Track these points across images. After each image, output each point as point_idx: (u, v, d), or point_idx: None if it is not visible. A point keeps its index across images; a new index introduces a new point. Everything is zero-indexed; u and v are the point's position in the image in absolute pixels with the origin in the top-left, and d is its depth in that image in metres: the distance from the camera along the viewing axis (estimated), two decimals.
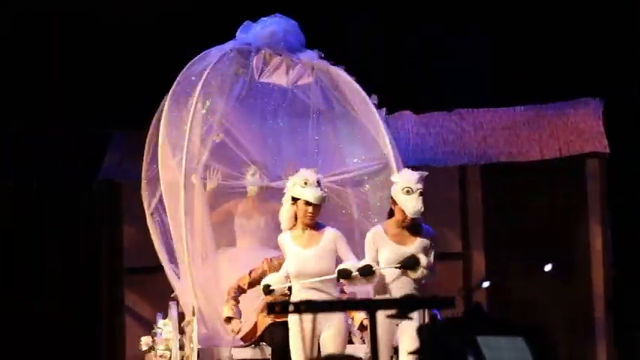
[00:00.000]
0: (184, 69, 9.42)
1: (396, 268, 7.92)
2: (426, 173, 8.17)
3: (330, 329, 8.01)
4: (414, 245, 8.04)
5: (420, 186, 8.01)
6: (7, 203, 11.33)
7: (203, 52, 9.49)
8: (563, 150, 10.61)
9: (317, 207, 8.12)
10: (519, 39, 10.54)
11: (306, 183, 8.11)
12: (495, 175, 11.25)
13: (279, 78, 9.60)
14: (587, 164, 11.05)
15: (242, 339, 8.84)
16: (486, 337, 3.96)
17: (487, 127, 10.77)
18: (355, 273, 7.91)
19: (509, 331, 4.01)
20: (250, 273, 8.93)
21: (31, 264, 11.27)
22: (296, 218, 8.16)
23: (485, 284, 10.08)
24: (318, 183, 8.18)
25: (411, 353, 7.32)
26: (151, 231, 9.51)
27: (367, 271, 7.91)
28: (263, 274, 8.73)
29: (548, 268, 10.54)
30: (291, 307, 4.37)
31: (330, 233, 8.17)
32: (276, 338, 8.58)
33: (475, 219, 11.31)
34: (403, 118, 10.78)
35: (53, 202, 11.21)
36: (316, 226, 8.19)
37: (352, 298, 8.46)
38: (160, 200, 9.42)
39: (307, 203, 8.07)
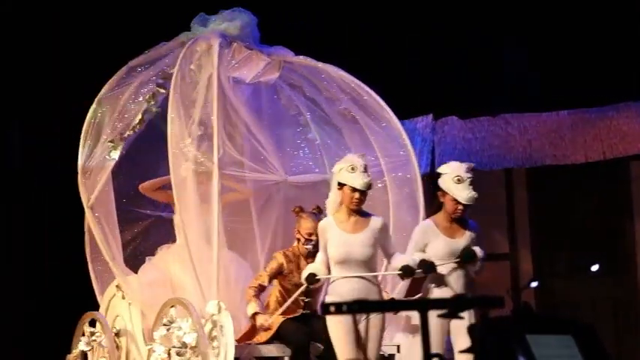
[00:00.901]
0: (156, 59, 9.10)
1: (455, 262, 7.83)
2: (473, 164, 8.10)
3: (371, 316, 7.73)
4: (465, 238, 7.95)
5: (470, 175, 7.91)
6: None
7: (192, 39, 9.01)
8: (607, 153, 10.56)
9: (363, 193, 7.76)
10: (563, 44, 10.51)
11: (353, 169, 7.78)
12: (541, 178, 11.24)
13: (247, 72, 9.12)
14: (631, 166, 11.02)
15: (244, 338, 8.47)
16: (535, 335, 3.96)
17: (532, 132, 10.74)
18: (419, 270, 7.78)
19: (558, 329, 4.01)
20: (265, 269, 8.66)
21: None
22: (341, 204, 7.82)
23: (534, 284, 10.03)
24: (365, 168, 7.82)
25: (462, 352, 7.28)
26: (92, 225, 9.06)
27: (430, 268, 7.79)
28: (280, 267, 8.55)
29: (594, 268, 10.50)
30: (344, 307, 4.34)
31: (377, 221, 7.86)
32: (297, 335, 8.32)
33: (521, 221, 11.30)
34: (449, 124, 10.80)
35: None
36: (362, 212, 7.84)
37: (402, 299, 8.30)
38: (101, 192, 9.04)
39: (353, 190, 7.76)
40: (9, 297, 11.14)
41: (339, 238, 7.75)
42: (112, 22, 11.01)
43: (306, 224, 8.60)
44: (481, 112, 10.79)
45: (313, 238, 8.44)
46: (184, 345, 8.25)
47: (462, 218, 7.98)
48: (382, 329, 7.77)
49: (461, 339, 7.70)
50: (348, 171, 7.80)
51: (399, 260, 7.81)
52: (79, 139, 9.20)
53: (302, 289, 8.14)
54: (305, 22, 10.48)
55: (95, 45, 10.90)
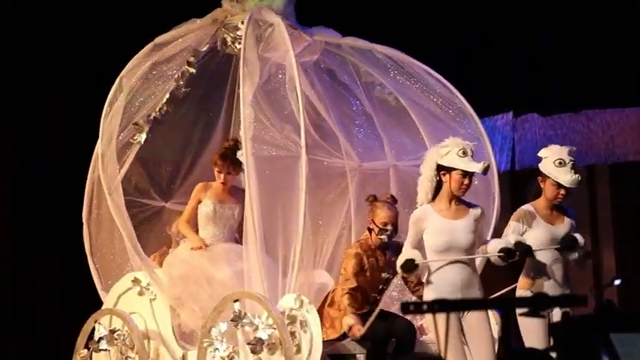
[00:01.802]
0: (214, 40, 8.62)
1: (555, 249, 7.52)
2: (574, 148, 7.76)
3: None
4: (565, 225, 7.66)
5: (572, 158, 7.61)
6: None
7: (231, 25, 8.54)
8: None
9: (471, 179, 7.40)
10: None
11: (464, 153, 7.40)
12: (624, 174, 11.13)
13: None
14: None
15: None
16: (619, 334, 3.88)
17: (615, 127, 10.67)
18: (517, 253, 7.39)
19: None
20: (345, 270, 8.14)
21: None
22: (437, 190, 7.41)
23: (617, 282, 9.91)
24: (472, 152, 7.47)
25: (544, 350, 7.15)
26: (114, 213, 8.54)
27: (526, 251, 7.44)
28: (361, 260, 8.12)
29: None
30: (424, 307, 4.26)
31: (476, 208, 7.48)
32: (375, 332, 7.82)
33: (604, 218, 11.16)
34: (530, 121, 10.74)
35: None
36: (461, 200, 7.45)
37: (485, 299, 7.51)
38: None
39: (464, 175, 7.37)
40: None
41: (441, 225, 7.36)
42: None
43: (381, 213, 8.18)
44: (562, 108, 10.72)
45: (389, 228, 8.13)
46: (259, 341, 7.80)
47: (561, 205, 7.67)
48: (488, 325, 7.29)
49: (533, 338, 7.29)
50: (458, 155, 7.40)
51: (496, 243, 7.47)
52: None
53: (396, 277, 7.82)
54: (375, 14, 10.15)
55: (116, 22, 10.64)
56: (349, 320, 7.92)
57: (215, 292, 8.18)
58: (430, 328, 7.58)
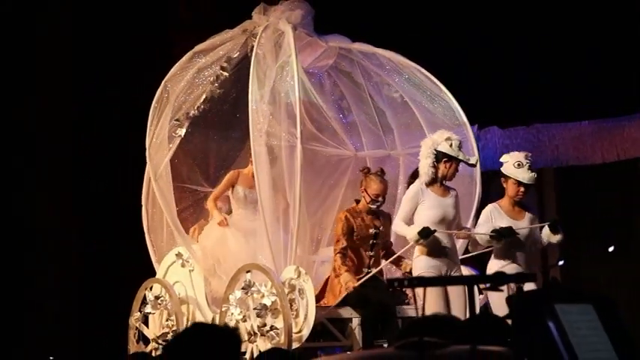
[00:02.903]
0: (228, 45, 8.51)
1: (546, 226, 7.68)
2: (530, 153, 7.85)
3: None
4: (525, 220, 7.73)
5: (528, 160, 7.67)
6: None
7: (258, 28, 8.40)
8: (621, 155, 10.50)
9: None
10: (586, 64, 10.37)
11: (460, 146, 7.57)
12: (567, 177, 11.17)
13: (305, 58, 8.54)
14: None
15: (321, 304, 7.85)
16: (562, 305, 3.94)
17: (559, 138, 10.70)
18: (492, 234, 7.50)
19: (581, 300, 3.99)
20: (337, 234, 7.91)
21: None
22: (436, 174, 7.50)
23: (560, 263, 9.99)
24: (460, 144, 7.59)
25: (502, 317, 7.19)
26: (158, 196, 8.50)
27: (509, 233, 7.53)
28: (348, 223, 7.90)
29: (611, 249, 10.43)
30: (406, 282, 4.33)
31: (455, 191, 7.67)
32: (374, 297, 7.71)
33: (550, 212, 11.21)
34: (491, 132, 10.76)
35: None
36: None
37: (454, 276, 7.71)
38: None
39: (458, 164, 7.54)
40: (70, 266, 10.72)
41: (436, 201, 7.47)
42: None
43: (374, 185, 7.98)
44: (517, 122, 10.74)
45: (380, 199, 7.97)
46: (264, 307, 7.79)
47: (521, 202, 7.74)
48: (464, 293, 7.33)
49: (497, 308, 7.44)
50: (458, 147, 7.54)
51: (484, 228, 7.59)
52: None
53: (412, 244, 7.65)
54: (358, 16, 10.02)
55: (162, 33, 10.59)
56: (345, 277, 7.78)
57: (237, 263, 8.13)
58: (418, 291, 7.55)
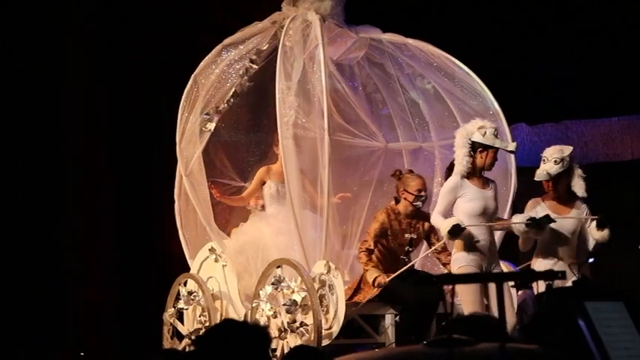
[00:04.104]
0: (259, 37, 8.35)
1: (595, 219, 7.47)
2: (570, 148, 7.65)
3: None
4: (572, 214, 7.54)
5: (556, 155, 7.47)
6: None
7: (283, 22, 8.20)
8: None
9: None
10: (618, 63, 10.24)
11: (497, 134, 7.35)
12: (595, 174, 11.06)
13: (335, 49, 8.35)
14: None
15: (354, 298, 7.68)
16: (592, 302, 3.89)
17: (588, 135, 10.61)
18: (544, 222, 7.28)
19: (612, 297, 3.94)
20: (368, 233, 7.77)
21: None
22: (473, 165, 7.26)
23: (591, 260, 9.86)
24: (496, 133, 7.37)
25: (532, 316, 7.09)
26: (189, 191, 8.37)
27: (547, 220, 7.31)
28: (383, 227, 7.75)
29: None
30: (434, 279, 4.29)
31: (494, 183, 7.46)
32: (408, 293, 7.53)
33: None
34: (519, 129, 10.67)
35: None
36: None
37: (481, 273, 7.32)
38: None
39: (496, 153, 7.31)
40: (108, 263, 10.61)
41: (476, 193, 7.27)
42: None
43: (413, 182, 7.78)
44: (545, 119, 10.66)
45: (423, 193, 7.77)
46: (294, 303, 7.63)
47: (572, 195, 7.54)
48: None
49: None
50: (494, 135, 7.31)
51: (521, 218, 7.37)
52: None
53: (441, 243, 7.58)
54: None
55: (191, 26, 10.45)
56: (373, 273, 7.63)
57: (268, 258, 8.01)
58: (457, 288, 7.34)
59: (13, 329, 9.92)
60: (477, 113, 8.16)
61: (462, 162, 7.30)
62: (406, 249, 7.84)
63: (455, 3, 10.29)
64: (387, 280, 7.58)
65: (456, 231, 7.16)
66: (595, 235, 7.55)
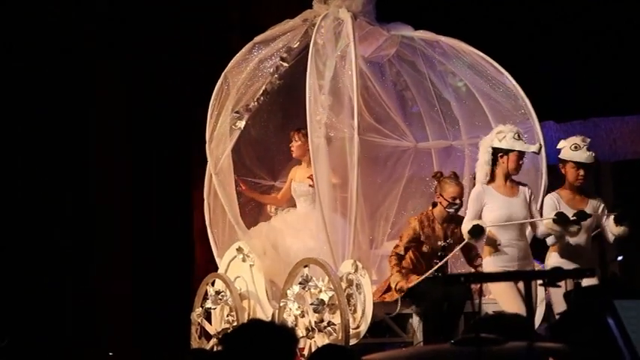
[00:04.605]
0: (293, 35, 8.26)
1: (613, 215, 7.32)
2: (588, 138, 7.49)
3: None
4: (589, 207, 7.37)
5: (586, 142, 7.34)
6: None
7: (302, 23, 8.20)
8: None
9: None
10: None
11: (519, 136, 7.20)
12: (624, 171, 10.99)
13: (367, 47, 8.26)
14: None
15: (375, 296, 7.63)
16: (621, 300, 3.86)
17: (616, 132, 10.53)
18: (573, 218, 7.13)
19: None
20: (401, 238, 7.78)
21: None
22: (494, 171, 7.21)
23: (619, 258, 9.80)
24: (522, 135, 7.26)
25: (559, 314, 7.05)
26: (218, 189, 8.31)
27: (584, 216, 7.16)
28: (416, 234, 7.74)
29: None
30: (462, 279, 4.26)
31: (527, 188, 7.35)
32: (432, 293, 7.51)
33: (608, 207, 11.03)
34: (547, 127, 10.59)
35: None
36: (513, 179, 7.30)
37: (508, 271, 7.18)
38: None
39: (520, 155, 7.21)
40: (135, 263, 10.55)
41: (501, 202, 7.17)
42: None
43: (450, 189, 7.74)
44: (574, 116, 10.58)
45: (457, 201, 7.72)
46: (321, 302, 7.59)
47: (584, 189, 7.42)
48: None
49: (557, 304, 7.19)
50: (514, 138, 7.21)
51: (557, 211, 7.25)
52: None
53: (463, 243, 7.47)
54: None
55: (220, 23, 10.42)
56: (396, 278, 7.64)
57: (293, 259, 7.98)
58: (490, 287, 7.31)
59: (29, 328, 9.91)
60: (507, 111, 8.13)
61: (480, 170, 7.29)
62: (439, 254, 7.81)
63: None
64: (409, 285, 7.61)
65: (477, 231, 7.12)
66: (613, 230, 7.42)
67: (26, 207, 10.19)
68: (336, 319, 7.60)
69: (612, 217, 7.46)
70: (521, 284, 7.00)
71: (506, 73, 8.32)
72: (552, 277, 4.22)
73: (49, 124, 10.32)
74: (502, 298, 7.14)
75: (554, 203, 7.35)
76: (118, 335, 10.17)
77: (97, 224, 10.47)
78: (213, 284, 8.52)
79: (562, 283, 6.84)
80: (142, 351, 10.16)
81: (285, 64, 8.40)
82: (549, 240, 7.50)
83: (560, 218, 7.15)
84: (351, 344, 7.51)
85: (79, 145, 10.51)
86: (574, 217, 7.16)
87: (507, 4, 10.21)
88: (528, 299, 3.98)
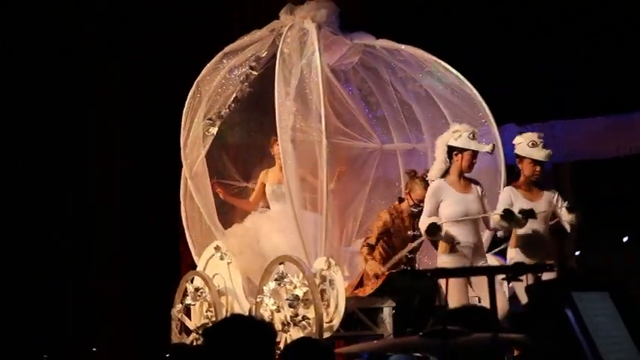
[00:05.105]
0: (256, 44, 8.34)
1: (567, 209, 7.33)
2: (542, 133, 7.51)
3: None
4: (543, 200, 7.39)
5: (542, 140, 7.36)
6: None
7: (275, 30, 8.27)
8: (633, 149, 10.40)
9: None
10: (597, 60, 10.21)
11: (474, 136, 7.23)
12: (581, 172, 11.07)
13: (331, 55, 8.34)
14: None
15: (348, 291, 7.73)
16: (579, 292, 3.91)
17: (574, 134, 10.61)
18: (519, 215, 7.10)
19: (598, 288, 3.95)
20: (372, 230, 7.93)
21: None
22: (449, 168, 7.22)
23: (577, 253, 9.88)
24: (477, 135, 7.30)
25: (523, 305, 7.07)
26: (193, 193, 8.38)
27: (530, 213, 7.12)
28: (385, 224, 7.86)
29: (625, 239, 10.31)
30: (429, 274, 4.30)
31: (479, 186, 7.36)
32: (404, 286, 7.61)
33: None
34: (508, 129, 10.64)
35: None
36: (466, 176, 7.30)
37: (475, 267, 7.27)
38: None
39: (474, 155, 7.24)
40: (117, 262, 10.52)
41: (456, 198, 7.18)
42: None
43: (418, 190, 7.85)
44: (533, 119, 10.64)
45: (422, 204, 7.67)
46: (296, 298, 7.64)
47: (538, 183, 7.43)
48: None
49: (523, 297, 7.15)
50: (469, 138, 7.21)
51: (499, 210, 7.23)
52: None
53: (419, 241, 7.55)
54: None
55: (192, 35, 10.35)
56: (371, 265, 7.71)
57: (269, 257, 8.04)
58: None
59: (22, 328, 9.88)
60: (466, 115, 8.17)
61: (435, 166, 7.31)
62: (409, 244, 7.87)
63: (441, 5, 10.23)
64: (384, 269, 7.68)
65: (433, 229, 7.13)
66: (566, 218, 7.45)
67: (26, 207, 10.15)
68: (311, 313, 7.66)
69: (565, 206, 7.47)
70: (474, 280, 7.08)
71: (464, 80, 8.39)
72: (515, 272, 4.27)
73: (49, 124, 10.29)
74: (452, 292, 7.14)
75: (509, 197, 7.35)
76: (118, 335, 10.13)
77: (97, 224, 10.47)
78: (192, 281, 8.54)
79: (523, 277, 6.93)
80: (141, 351, 10.13)
81: (254, 73, 8.50)
82: (499, 233, 7.54)
83: (506, 215, 7.15)
84: (324, 337, 7.57)
85: (79, 145, 10.48)
86: (520, 214, 7.16)
87: (462, 10, 10.22)
88: (492, 293, 4.02)
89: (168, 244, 10.30)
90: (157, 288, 10.17)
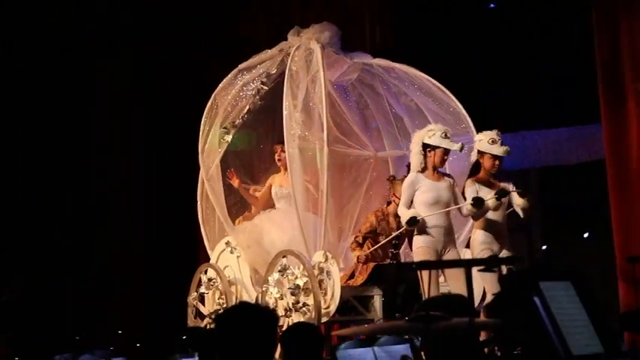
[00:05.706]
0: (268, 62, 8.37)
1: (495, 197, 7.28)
2: (499, 131, 7.51)
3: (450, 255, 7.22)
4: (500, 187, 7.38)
5: (500, 138, 7.38)
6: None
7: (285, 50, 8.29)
8: (592, 156, 10.39)
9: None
10: (562, 81, 10.18)
11: (446, 135, 7.27)
12: (547, 176, 11.07)
13: (333, 72, 8.40)
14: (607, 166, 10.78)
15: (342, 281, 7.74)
16: (545, 282, 3.92)
17: (540, 143, 10.61)
18: (487, 202, 7.15)
19: (561, 277, 3.96)
20: (361, 229, 8.04)
21: None
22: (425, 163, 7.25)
23: (544, 247, 9.88)
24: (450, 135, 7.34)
25: (493, 294, 7.09)
26: (209, 193, 8.41)
27: (503, 193, 7.22)
28: (372, 227, 7.95)
29: (585, 235, 10.31)
30: (414, 266, 4.30)
31: (451, 178, 7.41)
32: (389, 276, 7.68)
33: (534, 207, 11.10)
34: None
35: None
36: (439, 170, 7.38)
37: (454, 260, 7.35)
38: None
39: (445, 152, 7.25)
40: (139, 256, 10.21)
41: (430, 185, 7.23)
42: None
43: (400, 190, 7.78)
44: (505, 129, 10.62)
45: None
46: (297, 287, 7.73)
47: (495, 175, 7.43)
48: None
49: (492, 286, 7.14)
50: (441, 137, 7.24)
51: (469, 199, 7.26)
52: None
53: (400, 231, 7.59)
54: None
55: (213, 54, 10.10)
56: (356, 253, 7.87)
57: (273, 251, 8.09)
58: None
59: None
60: (451, 125, 8.19)
61: (414, 160, 7.34)
62: (394, 243, 7.93)
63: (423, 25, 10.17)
64: (368, 252, 7.82)
65: (413, 221, 7.19)
66: (518, 202, 7.46)
67: (26, 207, 9.76)
68: (310, 300, 7.73)
69: (516, 192, 7.49)
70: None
71: (450, 94, 8.44)
72: (490, 264, 4.28)
73: (49, 124, 9.88)
74: (425, 276, 7.16)
75: (475, 188, 7.40)
76: (119, 334, 9.85)
77: (97, 224, 10.19)
78: (206, 272, 8.60)
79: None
80: (146, 329, 10.08)
81: (265, 87, 8.61)
82: (470, 219, 7.58)
83: (476, 202, 7.20)
84: (322, 322, 7.65)
85: (79, 145, 10.10)
86: (496, 195, 7.21)
87: (443, 28, 10.18)
88: (469, 282, 4.02)
89: (171, 244, 10.12)
90: (159, 289, 10.04)
